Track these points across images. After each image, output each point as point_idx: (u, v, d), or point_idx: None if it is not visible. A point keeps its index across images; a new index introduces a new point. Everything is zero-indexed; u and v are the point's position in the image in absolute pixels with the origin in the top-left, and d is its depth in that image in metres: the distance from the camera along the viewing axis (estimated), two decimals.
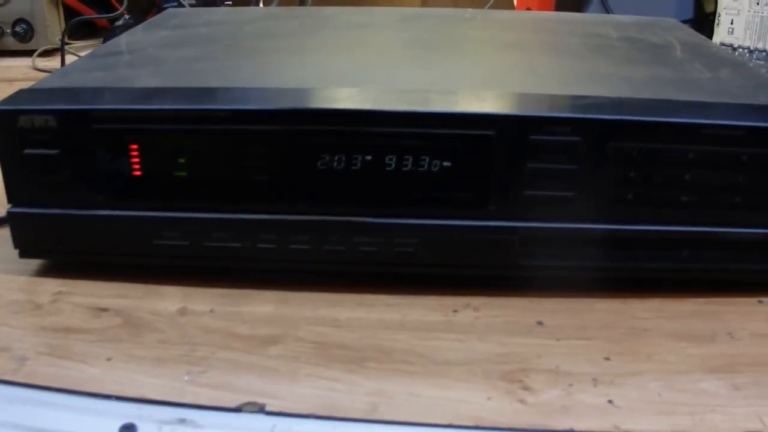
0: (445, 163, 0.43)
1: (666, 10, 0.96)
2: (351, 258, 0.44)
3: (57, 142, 0.44)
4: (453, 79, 0.49)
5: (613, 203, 0.44)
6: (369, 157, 0.43)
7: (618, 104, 0.44)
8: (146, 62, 0.53)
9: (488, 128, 0.42)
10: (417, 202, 0.43)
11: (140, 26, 0.66)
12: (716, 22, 0.93)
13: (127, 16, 0.98)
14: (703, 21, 0.97)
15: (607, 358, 0.40)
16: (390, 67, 0.52)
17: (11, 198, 0.46)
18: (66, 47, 1.01)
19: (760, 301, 0.46)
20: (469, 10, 0.75)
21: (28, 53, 1.01)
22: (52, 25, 1.01)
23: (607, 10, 0.95)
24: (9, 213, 0.47)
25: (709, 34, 0.95)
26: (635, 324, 0.43)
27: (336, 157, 0.43)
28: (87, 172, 0.44)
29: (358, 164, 0.43)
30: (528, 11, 0.85)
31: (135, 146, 0.44)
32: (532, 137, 0.42)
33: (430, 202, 0.43)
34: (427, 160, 0.43)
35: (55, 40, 1.01)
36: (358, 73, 0.51)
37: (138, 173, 0.44)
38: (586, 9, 0.99)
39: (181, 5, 0.93)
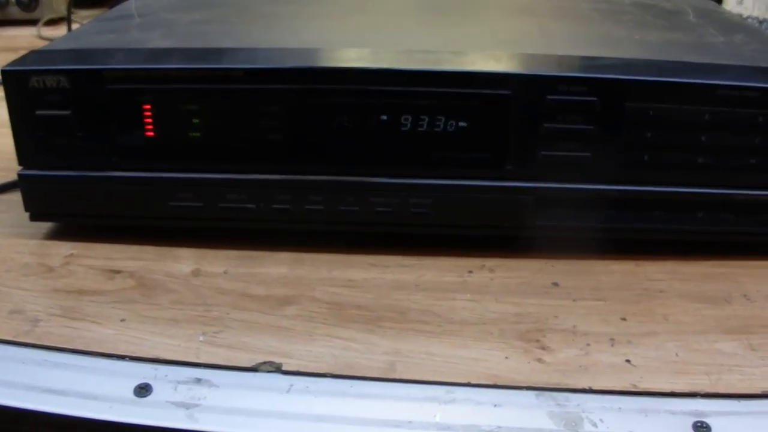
0: (461, 123, 0.43)
1: None
2: (366, 218, 0.44)
3: (69, 102, 0.44)
4: (466, 41, 0.49)
5: (628, 164, 0.43)
6: (384, 117, 0.42)
7: (633, 65, 0.43)
8: (157, 25, 0.53)
9: (505, 88, 0.41)
10: (432, 163, 0.43)
11: None
12: None
13: None
14: None
15: (624, 319, 0.40)
16: (403, 29, 0.52)
17: (22, 160, 0.46)
18: (71, 16, 1.01)
19: None
20: None
21: (33, 22, 1.00)
22: None
23: None
24: (20, 175, 0.46)
25: (718, 4, 0.94)
26: (650, 285, 0.43)
27: (351, 117, 0.42)
28: (99, 133, 0.44)
29: (373, 124, 0.42)
30: None
31: (148, 106, 0.43)
32: (549, 97, 0.42)
33: (446, 163, 0.43)
34: (443, 120, 0.42)
35: (60, 9, 1.00)
36: (371, 35, 0.50)
37: (151, 134, 0.44)
38: None
39: None
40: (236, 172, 0.44)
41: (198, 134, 0.43)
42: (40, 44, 0.93)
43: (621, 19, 0.56)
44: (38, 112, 0.44)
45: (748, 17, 0.92)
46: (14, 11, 1.01)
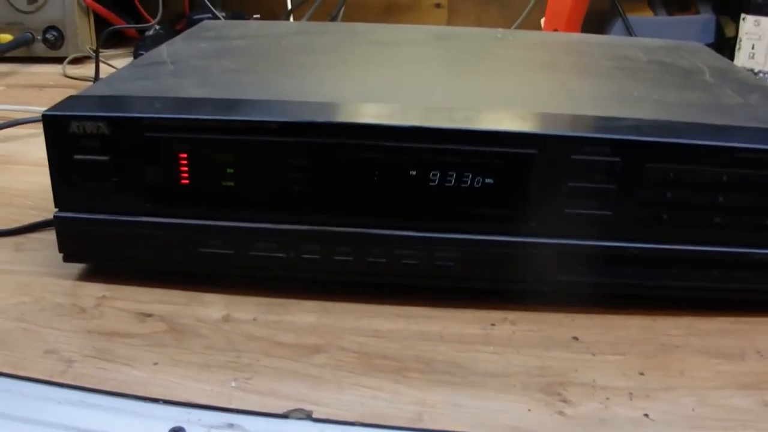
0: (488, 180, 0.44)
1: (688, 34, 0.97)
2: (392, 270, 0.45)
3: (107, 148, 0.45)
4: (491, 98, 0.50)
5: (648, 222, 0.45)
6: (413, 173, 0.44)
7: (655, 126, 0.45)
8: (190, 73, 0.54)
9: (531, 147, 0.43)
10: (458, 218, 0.44)
11: (179, 37, 0.67)
12: (737, 46, 0.94)
13: (157, 27, 0.99)
14: (724, 45, 0.99)
15: (642, 373, 0.41)
16: (429, 84, 0.53)
17: (58, 202, 0.47)
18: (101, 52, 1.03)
19: None
20: (500, 30, 0.77)
21: (57, 60, 1.03)
22: (82, 33, 1.02)
23: (630, 32, 0.96)
24: (56, 217, 0.48)
25: (730, 58, 0.96)
26: (666, 341, 0.44)
27: (379, 172, 0.44)
28: (136, 179, 0.45)
29: (402, 179, 0.44)
30: (556, 32, 0.87)
31: (184, 155, 0.45)
32: (573, 156, 0.43)
33: (472, 218, 0.44)
34: (470, 176, 0.44)
35: (85, 48, 1.02)
36: (399, 90, 0.52)
37: (186, 181, 0.45)
38: (609, 32, 1.00)
39: (215, 16, 0.94)
40: (266, 222, 0.46)
41: (231, 183, 0.45)
42: (65, 82, 0.96)
43: (640, 78, 0.58)
44: (76, 157, 0.45)
45: (760, 71, 0.95)
46: (40, 48, 1.03)
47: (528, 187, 0.44)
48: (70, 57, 1.02)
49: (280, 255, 0.46)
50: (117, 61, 0.98)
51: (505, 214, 0.44)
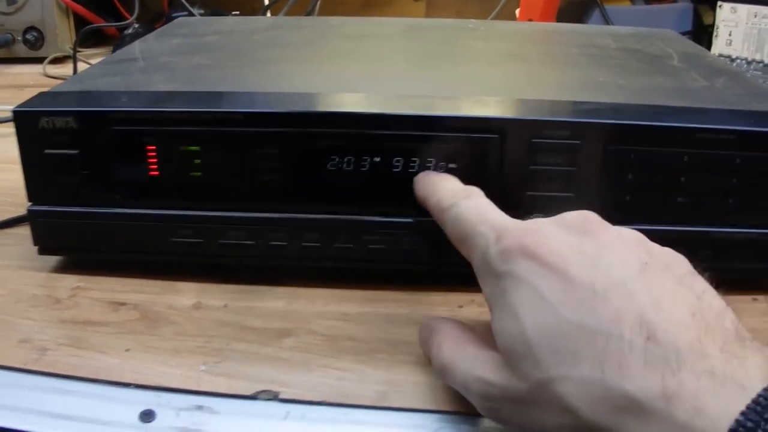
0: (451, 165, 0.45)
1: (666, 23, 0.98)
2: (359, 256, 0.46)
3: (77, 142, 0.46)
4: (456, 86, 0.51)
5: (610, 204, 0.45)
6: (377, 159, 0.45)
7: (615, 109, 0.45)
8: (159, 68, 0.55)
9: (492, 132, 0.44)
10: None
11: (152, 34, 0.68)
12: (714, 34, 0.95)
13: (136, 25, 1.00)
14: (702, 33, 1.00)
15: None
16: (396, 74, 0.54)
17: (31, 196, 0.48)
18: (80, 51, 1.03)
19: (754, 299, 0.48)
20: (473, 20, 0.77)
21: (38, 60, 1.03)
22: (62, 33, 1.03)
23: (607, 21, 0.97)
24: (29, 211, 0.48)
25: (708, 45, 0.97)
26: None
27: (345, 159, 0.45)
28: (105, 171, 0.46)
29: (367, 166, 0.45)
30: (530, 22, 0.87)
31: (152, 147, 0.45)
32: (534, 140, 0.44)
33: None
34: (434, 162, 0.45)
35: (65, 47, 1.03)
36: (365, 80, 0.52)
37: (155, 173, 0.46)
38: (587, 22, 1.01)
39: (191, 14, 0.95)
40: (235, 211, 0.46)
41: (199, 174, 0.45)
42: (46, 82, 0.97)
43: (607, 64, 0.59)
44: (47, 151, 0.46)
45: (737, 58, 0.95)
46: (20, 49, 1.03)
47: (491, 171, 0.44)
48: (51, 57, 1.02)
49: (249, 242, 0.46)
50: (96, 60, 0.98)
51: None
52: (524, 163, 0.44)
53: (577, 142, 0.44)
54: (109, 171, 0.46)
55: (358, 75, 0.54)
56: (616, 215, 0.45)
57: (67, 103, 0.47)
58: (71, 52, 1.00)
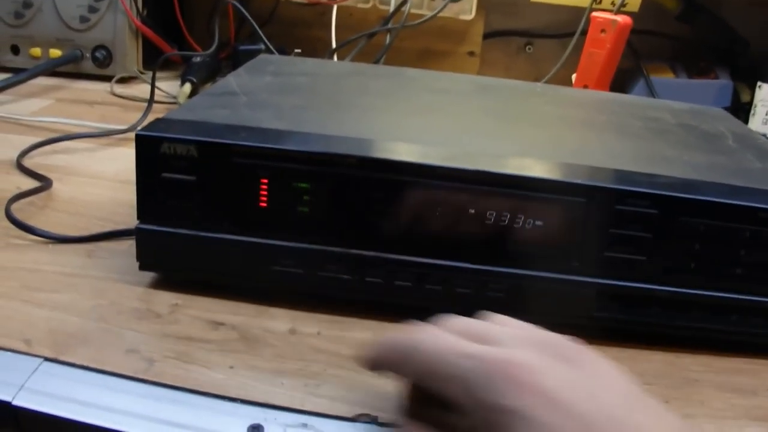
0: (538, 223, 0.49)
1: (706, 97, 1.03)
2: (447, 299, 0.50)
3: (195, 169, 0.50)
4: (532, 150, 0.55)
5: (677, 269, 0.50)
6: (472, 211, 0.49)
7: (688, 185, 0.50)
8: (263, 106, 0.59)
9: (581, 196, 0.48)
10: (511, 255, 0.49)
11: (242, 69, 0.73)
12: (752, 112, 1.00)
13: (206, 53, 1.05)
14: (739, 110, 1.04)
15: (666, 402, 0.46)
16: (483, 133, 0.58)
17: (141, 215, 0.52)
18: (142, 75, 1.08)
19: None
20: (538, 84, 0.82)
21: (104, 78, 1.07)
22: (130, 54, 1.07)
23: (652, 92, 1.02)
24: (138, 228, 0.52)
25: (744, 122, 1.02)
26: (687, 375, 0.49)
27: (441, 209, 0.49)
28: (218, 199, 0.50)
29: (463, 217, 0.49)
30: (588, 90, 0.92)
31: (265, 180, 0.49)
32: (617, 207, 0.48)
33: (523, 255, 0.49)
34: (523, 218, 0.49)
35: (132, 68, 1.07)
36: (456, 136, 0.57)
37: (264, 205, 0.50)
38: (631, 90, 1.06)
39: (264, 49, 1.00)
40: (336, 246, 0.50)
41: (306, 209, 0.49)
42: (113, 100, 1.01)
43: (669, 139, 0.63)
44: (164, 175, 0.50)
45: None
46: (88, 65, 1.08)
47: (575, 231, 0.49)
48: (118, 76, 1.06)
49: (345, 277, 0.50)
50: (163, 83, 1.03)
51: (552, 254, 0.49)
52: (606, 226, 0.48)
53: (655, 212, 0.48)
54: (222, 199, 0.50)
55: (449, 130, 0.58)
56: (679, 279, 0.50)
57: (188, 131, 0.51)
58: (138, 73, 1.05)
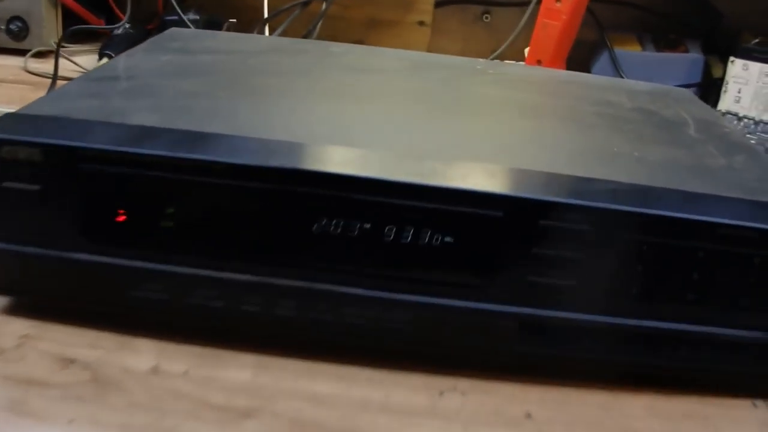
0: (447, 239, 0.41)
1: (675, 72, 0.95)
2: (338, 329, 0.42)
3: (40, 177, 0.41)
4: (460, 145, 0.47)
5: (616, 296, 0.42)
6: (367, 226, 0.41)
7: (632, 193, 0.42)
8: (143, 93, 0.51)
9: (497, 209, 0.40)
10: (413, 278, 0.41)
11: (140, 47, 0.64)
12: (723, 89, 0.92)
13: (127, 26, 0.95)
14: (711, 86, 0.96)
15: None
16: (396, 124, 0.50)
17: None
18: (61, 50, 0.99)
19: (754, 404, 0.44)
20: (481, 60, 0.73)
21: (21, 52, 0.98)
22: (48, 26, 0.98)
23: (617, 67, 0.94)
24: None
25: (716, 99, 0.94)
26: (626, 423, 0.41)
27: (332, 223, 0.41)
28: (68, 212, 0.42)
29: (355, 232, 0.41)
30: (539, 67, 0.84)
31: (121, 190, 0.41)
32: (541, 222, 0.40)
33: (428, 279, 0.41)
34: (428, 234, 0.41)
35: (49, 41, 0.98)
36: (363, 128, 0.48)
37: (122, 219, 0.42)
38: (594, 64, 0.98)
39: (182, 20, 0.90)
40: (207, 269, 0.42)
41: (171, 224, 0.41)
42: (25, 78, 0.92)
43: (622, 129, 0.55)
44: (5, 184, 0.42)
45: (744, 117, 0.92)
46: (2, 38, 0.98)
47: (490, 250, 0.41)
48: (34, 50, 0.97)
49: (218, 305, 0.42)
50: (81, 58, 0.94)
51: (463, 278, 0.41)
52: (528, 245, 0.40)
53: (587, 227, 0.40)
54: (72, 212, 0.42)
55: (359, 121, 0.50)
56: (617, 307, 0.42)
57: (34, 131, 0.42)
58: (55, 47, 0.96)
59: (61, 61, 0.94)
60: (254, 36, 0.82)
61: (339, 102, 0.53)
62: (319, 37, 0.97)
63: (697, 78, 0.96)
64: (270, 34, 0.94)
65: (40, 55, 0.98)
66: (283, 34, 0.93)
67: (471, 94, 0.60)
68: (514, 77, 0.68)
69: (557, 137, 0.51)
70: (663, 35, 1.02)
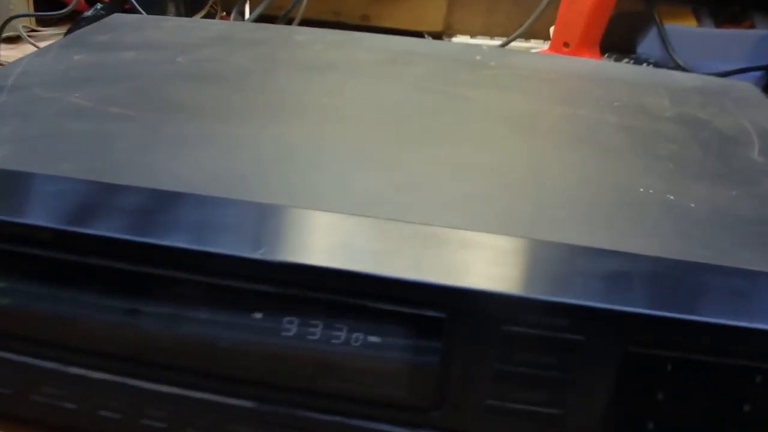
0: (372, 339, 0.28)
1: (737, 50, 0.79)
2: None
3: None
4: (422, 190, 0.34)
5: (616, 430, 0.28)
6: (258, 316, 0.28)
7: (653, 279, 0.28)
8: (14, 113, 0.39)
9: (438, 309, 0.27)
10: (330, 393, 0.29)
11: (59, 42, 0.52)
12: None
13: (98, 6, 0.84)
14: None
15: None
16: (342, 155, 0.37)
17: None
18: (30, 35, 0.88)
19: None
20: (485, 47, 0.59)
21: None
22: (16, 8, 0.87)
23: (667, 47, 0.78)
24: None
25: None
26: None
27: (209, 314, 0.28)
28: None
29: (245, 324, 0.28)
30: (558, 56, 0.68)
31: None
32: (505, 328, 0.27)
33: (351, 397, 0.29)
34: (345, 330, 0.28)
35: (19, 26, 0.87)
36: (299, 166, 0.35)
37: None
38: (640, 42, 0.82)
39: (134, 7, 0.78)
40: (57, 361, 0.30)
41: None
42: None
43: (655, 152, 0.41)
44: None
45: None
46: None
47: (433, 362, 0.28)
48: (3, 36, 0.86)
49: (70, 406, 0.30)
50: (49, 42, 0.83)
51: (399, 397, 0.28)
52: (486, 358, 0.27)
53: (579, 337, 0.27)
54: None
55: (300, 156, 0.36)
56: None
57: None
58: (23, 32, 0.85)
59: (29, 48, 0.84)
60: (206, 22, 0.69)
61: (274, 119, 0.40)
62: (320, 13, 0.83)
63: (765, 59, 0.80)
64: (251, 10, 0.81)
65: (9, 41, 0.88)
66: (267, 10, 0.80)
67: (455, 101, 0.46)
68: (521, 72, 0.53)
69: (555, 172, 0.37)
70: (723, 7, 0.85)
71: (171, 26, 0.57)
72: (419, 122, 0.42)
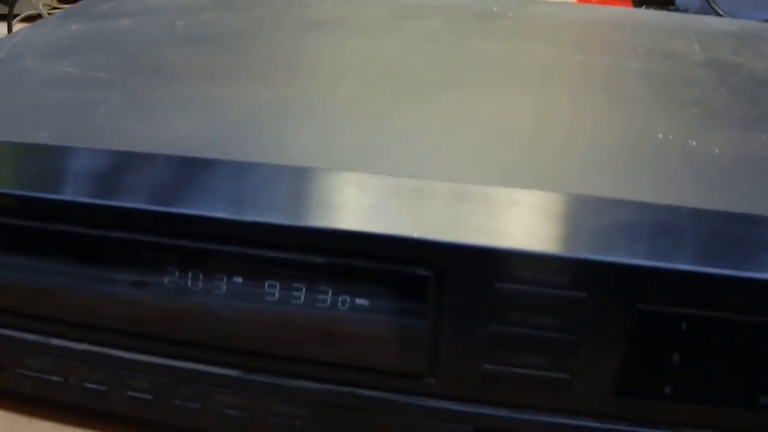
0: (360, 302, 0.26)
1: None
2: (210, 423, 0.28)
3: None
4: (415, 143, 0.31)
5: (628, 393, 0.26)
6: (238, 280, 0.26)
7: (664, 230, 0.25)
8: (1, 84, 0.37)
9: (425, 265, 0.24)
10: (313, 358, 0.27)
11: (60, 13, 0.51)
12: None
13: None
14: None
15: None
16: (353, 115, 0.34)
17: None
18: (51, 14, 0.87)
19: None
20: None
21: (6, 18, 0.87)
22: None
23: None
24: None
25: None
26: None
27: (193, 279, 0.26)
28: None
29: (219, 286, 0.26)
30: (580, 5, 0.64)
31: None
32: (499, 285, 0.24)
33: (336, 361, 0.27)
34: (330, 293, 0.26)
35: (39, 5, 0.86)
36: (304, 126, 0.33)
37: None
38: None
39: None
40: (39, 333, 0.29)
41: None
42: None
43: (680, 98, 0.38)
44: None
45: None
46: None
47: (426, 326, 0.25)
48: (23, 14, 0.86)
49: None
50: None
51: (390, 362, 0.26)
52: (482, 319, 0.25)
53: (581, 294, 0.24)
54: None
55: (299, 115, 0.34)
56: (631, 409, 0.26)
57: None
58: (44, 11, 0.84)
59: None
60: None
61: (271, 80, 0.38)
62: None
63: None
64: None
65: (29, 19, 0.87)
66: None
67: (468, 53, 0.44)
68: (538, 21, 0.50)
69: (569, 121, 0.34)
70: None
71: None
72: (424, 76, 0.39)
